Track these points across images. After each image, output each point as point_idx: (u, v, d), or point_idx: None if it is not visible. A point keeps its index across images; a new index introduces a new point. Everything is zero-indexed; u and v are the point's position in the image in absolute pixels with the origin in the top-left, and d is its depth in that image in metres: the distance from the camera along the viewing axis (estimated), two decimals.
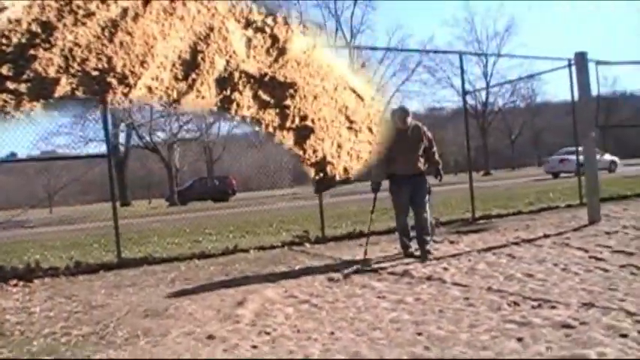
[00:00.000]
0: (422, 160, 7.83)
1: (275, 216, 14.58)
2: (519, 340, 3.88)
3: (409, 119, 7.68)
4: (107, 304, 6.12)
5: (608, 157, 32.70)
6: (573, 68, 10.77)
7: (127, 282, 7.41)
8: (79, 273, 8.30)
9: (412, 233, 7.84)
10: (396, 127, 7.47)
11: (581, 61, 9.97)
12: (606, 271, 5.91)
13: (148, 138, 38.56)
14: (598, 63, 10.76)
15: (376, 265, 7.21)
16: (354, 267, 7.03)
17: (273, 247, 9.62)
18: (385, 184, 7.95)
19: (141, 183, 54.01)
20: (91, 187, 40.48)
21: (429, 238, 7.70)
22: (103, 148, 36.45)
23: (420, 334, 4.21)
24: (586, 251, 7.08)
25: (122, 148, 43.06)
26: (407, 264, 7.13)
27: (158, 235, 12.56)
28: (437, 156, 8.02)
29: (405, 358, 3.74)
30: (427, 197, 7.84)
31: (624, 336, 3.77)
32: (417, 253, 7.61)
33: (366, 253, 7.75)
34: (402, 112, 7.67)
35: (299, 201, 16.93)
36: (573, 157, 32.06)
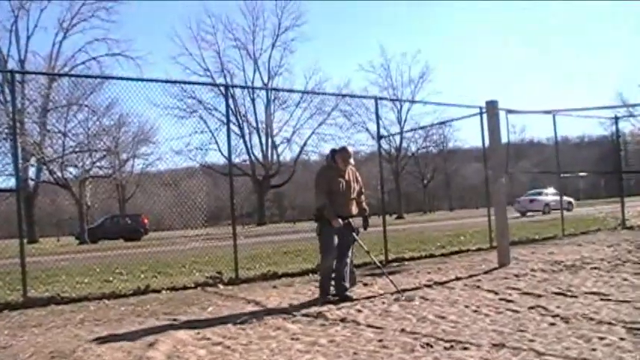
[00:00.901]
0: (355, 203, 7.78)
1: (188, 256, 14.32)
2: None
3: (352, 160, 7.67)
4: (10, 345, 5.84)
5: (565, 198, 35.06)
6: (484, 116, 11.10)
7: (33, 322, 7.11)
8: None
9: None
10: (336, 168, 7.57)
11: (491, 109, 10.29)
12: (516, 312, 6.04)
13: (59, 173, 37.52)
14: (508, 112, 11.11)
15: (289, 307, 7.17)
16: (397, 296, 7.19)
17: (185, 288, 9.45)
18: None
19: (50, 220, 52.41)
20: None
21: (348, 285, 7.62)
22: (10, 183, 35.51)
23: None
24: (496, 293, 7.23)
25: (32, 183, 41.77)
26: (321, 305, 7.08)
27: (67, 273, 12.13)
28: (364, 203, 7.98)
29: None
30: (353, 242, 7.77)
31: None
32: (335, 298, 7.47)
33: (394, 284, 7.73)
34: (346, 154, 7.63)
35: (212, 241, 16.69)
36: (541, 197, 35.68)
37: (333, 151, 7.80)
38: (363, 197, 7.96)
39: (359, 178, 7.89)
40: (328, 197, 7.42)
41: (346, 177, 7.63)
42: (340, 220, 7.40)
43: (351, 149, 7.82)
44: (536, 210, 34.54)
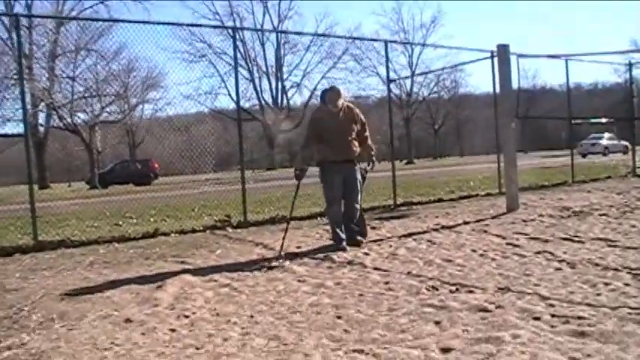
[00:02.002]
0: (356, 144, 7.33)
1: (197, 200, 14.38)
2: (437, 323, 3.93)
3: (340, 101, 7.23)
4: (22, 287, 5.92)
5: (622, 142, 39.91)
6: (495, 60, 10.97)
7: (44, 265, 7.21)
8: None
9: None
10: (327, 110, 7.24)
11: (503, 53, 10.15)
12: (522, 257, 6.06)
13: (68, 119, 37.46)
14: (519, 56, 10.97)
15: (298, 250, 7.22)
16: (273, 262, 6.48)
17: (194, 231, 9.53)
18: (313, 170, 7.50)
19: (61, 165, 52.57)
20: (10, 169, 39.25)
21: (357, 229, 7.47)
22: (20, 128, 35.53)
23: (339, 317, 4.22)
24: (503, 238, 7.25)
25: (42, 129, 41.75)
26: (327, 248, 7.13)
27: (77, 218, 12.22)
28: (370, 140, 7.57)
29: (325, 341, 3.74)
30: (361, 185, 7.49)
31: (537, 319, 3.86)
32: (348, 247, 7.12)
33: (282, 247, 7.05)
34: (332, 93, 7.25)
35: (222, 186, 16.74)
36: (602, 141, 40.95)
37: (324, 92, 7.42)
38: (367, 135, 7.54)
39: (359, 117, 7.44)
40: (320, 142, 7.16)
41: (340, 116, 7.25)
42: (304, 168, 7.22)
43: (340, 88, 7.43)
44: (596, 152, 38.70)
